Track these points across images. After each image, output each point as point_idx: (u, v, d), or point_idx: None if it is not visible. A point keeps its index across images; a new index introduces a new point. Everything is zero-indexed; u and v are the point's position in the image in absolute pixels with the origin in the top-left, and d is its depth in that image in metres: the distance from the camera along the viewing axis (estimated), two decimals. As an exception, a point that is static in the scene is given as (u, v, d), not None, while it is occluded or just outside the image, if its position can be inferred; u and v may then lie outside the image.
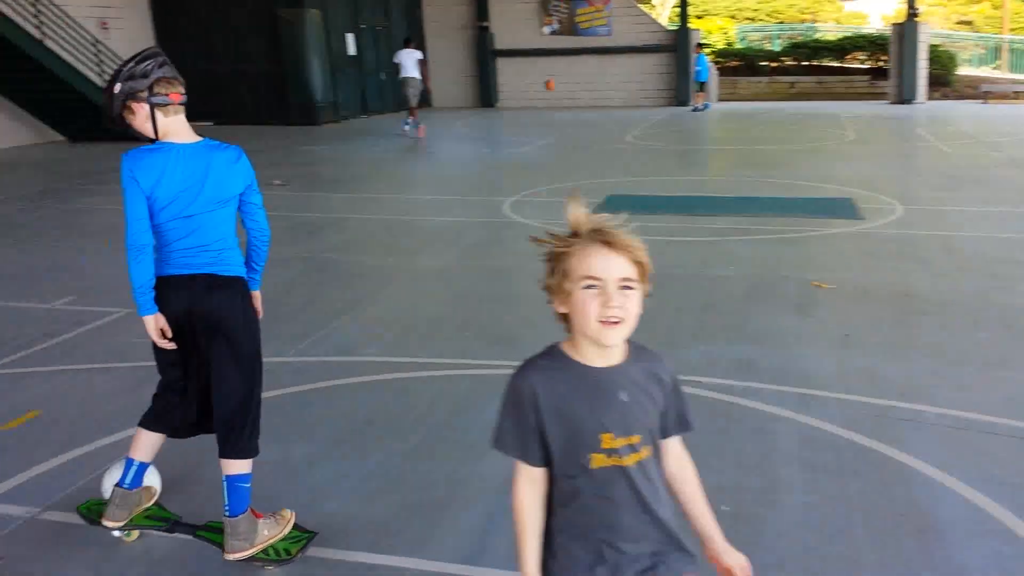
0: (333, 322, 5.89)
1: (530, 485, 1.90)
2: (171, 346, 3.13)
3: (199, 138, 3.12)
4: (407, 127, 17.97)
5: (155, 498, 3.39)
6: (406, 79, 17.46)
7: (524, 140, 16.98)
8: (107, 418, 4.38)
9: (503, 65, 25.34)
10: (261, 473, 3.76)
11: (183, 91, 3.06)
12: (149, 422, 3.25)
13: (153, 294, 3.03)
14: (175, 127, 3.05)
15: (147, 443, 3.24)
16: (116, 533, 3.27)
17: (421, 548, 3.22)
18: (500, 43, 25.47)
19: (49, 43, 15.80)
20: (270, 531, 3.15)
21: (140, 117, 3.00)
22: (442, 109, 25.11)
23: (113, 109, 3.00)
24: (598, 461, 1.82)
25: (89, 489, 3.62)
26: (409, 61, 17.47)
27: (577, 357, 1.85)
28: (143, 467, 3.25)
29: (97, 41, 17.04)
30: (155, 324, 3.06)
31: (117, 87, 2.95)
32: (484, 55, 25.48)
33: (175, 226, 3.01)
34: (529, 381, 1.84)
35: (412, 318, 6.05)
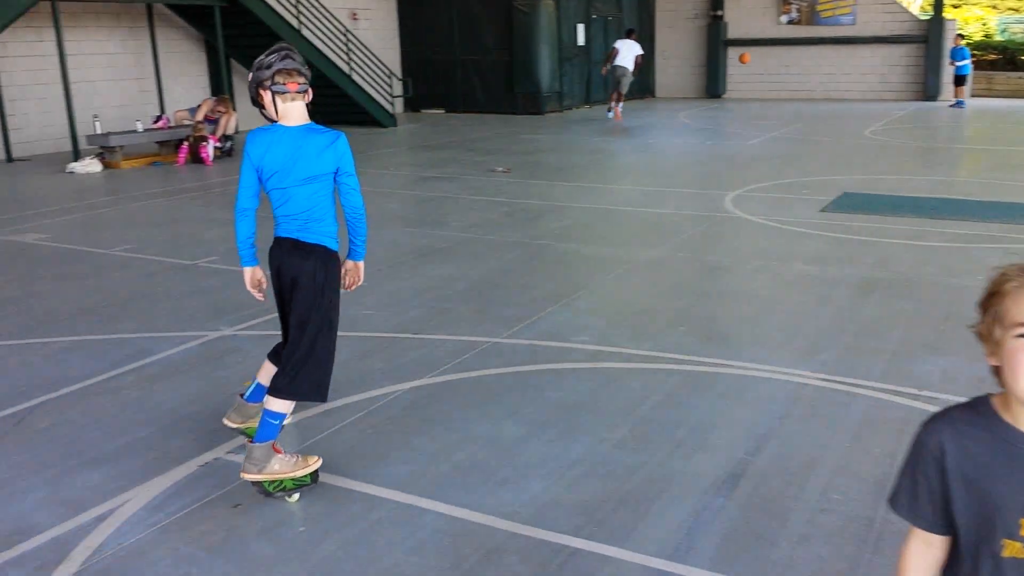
0: (546, 308, 5.97)
1: (924, 547, 1.63)
2: (260, 297, 3.69)
3: (307, 122, 3.51)
4: (610, 114, 18.57)
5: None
6: (619, 67, 17.81)
7: (751, 132, 16.41)
8: (337, 382, 4.65)
9: (734, 55, 24.62)
10: (474, 447, 3.91)
11: (301, 81, 3.44)
12: (270, 354, 3.84)
13: (253, 250, 3.61)
14: (290, 112, 3.45)
15: (268, 370, 3.78)
16: (290, 499, 3.53)
17: (625, 538, 3.21)
18: (733, 32, 24.79)
19: (305, 32, 17.09)
20: (281, 466, 3.48)
21: (267, 101, 3.46)
22: (666, 99, 24.79)
23: (251, 93, 3.52)
24: (1012, 550, 1.51)
25: (318, 447, 3.90)
26: (627, 52, 17.77)
27: (1008, 418, 1.52)
28: (261, 388, 3.79)
29: (347, 31, 18.23)
30: (251, 276, 3.65)
31: (250, 76, 3.49)
32: (715, 45, 24.90)
33: (275, 196, 3.49)
34: (938, 437, 1.56)
35: (624, 308, 6.03)
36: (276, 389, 3.50)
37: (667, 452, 3.88)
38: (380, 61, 19.40)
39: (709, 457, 3.83)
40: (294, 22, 16.82)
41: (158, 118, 14.34)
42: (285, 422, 3.66)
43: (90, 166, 12.68)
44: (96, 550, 3.16)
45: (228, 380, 4.76)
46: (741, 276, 6.69)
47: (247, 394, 3.92)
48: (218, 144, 13.79)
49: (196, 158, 13.51)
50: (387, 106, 19.06)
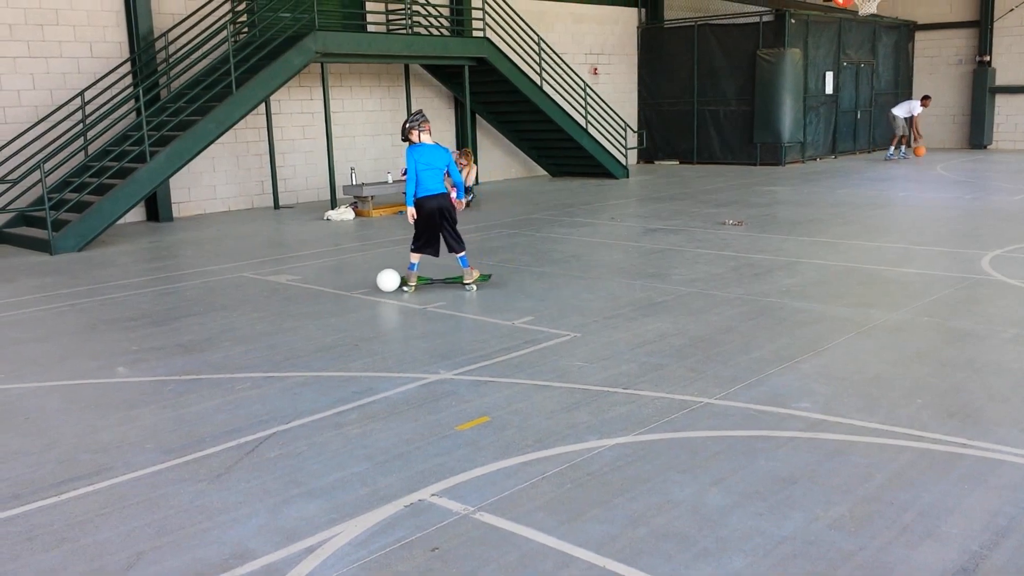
0: (767, 369, 5.68)
1: None
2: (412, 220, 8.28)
3: (433, 143, 8.14)
4: (892, 156, 20.51)
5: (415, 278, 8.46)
6: (898, 117, 20.62)
7: (1018, 186, 14.89)
8: (542, 433, 4.70)
9: (1002, 103, 22.62)
10: (675, 512, 3.75)
11: (427, 126, 8.13)
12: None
13: (413, 200, 8.11)
14: (424, 139, 8.08)
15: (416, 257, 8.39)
16: (404, 289, 8.25)
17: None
18: (1002, 79, 22.80)
19: (546, 87, 17.68)
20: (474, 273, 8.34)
21: (414, 135, 8.04)
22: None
23: (403, 133, 8.09)
24: None
25: (517, 498, 3.91)
26: (907, 109, 20.71)
27: None
28: (413, 264, 8.38)
29: (587, 86, 18.67)
30: (411, 212, 8.14)
31: (408, 124, 8.06)
32: (980, 92, 23.01)
33: (423, 176, 8.05)
34: None
35: (855, 375, 5.60)
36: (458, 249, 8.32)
37: (889, 538, 3.52)
38: (616, 114, 19.65)
39: (938, 547, 3.43)
40: (536, 79, 17.45)
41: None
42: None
43: (344, 214, 13.75)
44: (302, 579, 3.33)
45: (440, 423, 4.91)
46: (993, 346, 6.02)
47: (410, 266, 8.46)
48: (466, 200, 14.52)
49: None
50: (620, 157, 19.23)
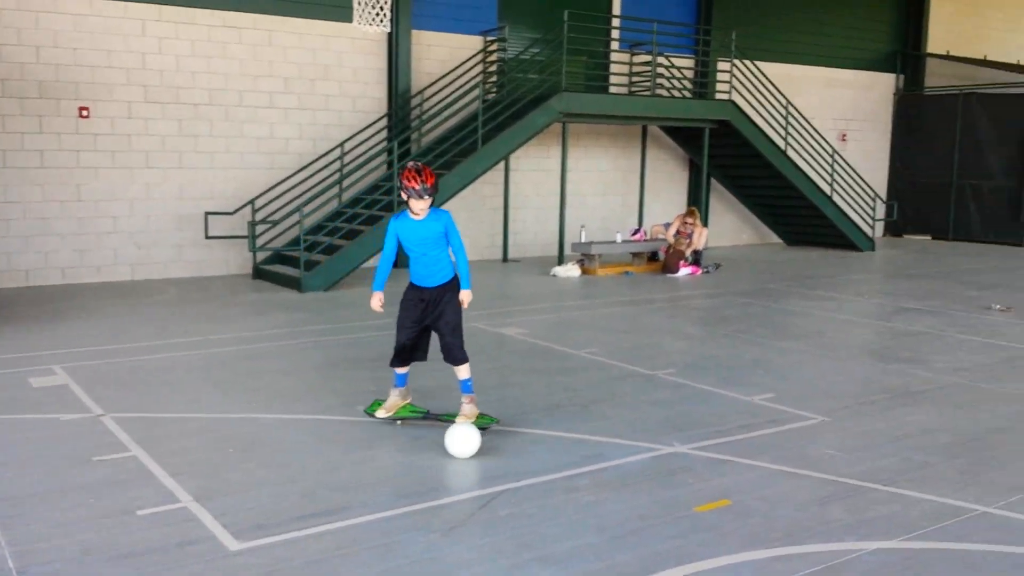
0: (1060, 481, 4.91)
1: None
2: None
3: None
4: None
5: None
6: None
7: None
8: (791, 527, 4.27)
9: None
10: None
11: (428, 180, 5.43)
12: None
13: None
14: (416, 206, 5.47)
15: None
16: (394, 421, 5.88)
17: None
18: None
19: (791, 152, 17.02)
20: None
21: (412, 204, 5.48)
22: None
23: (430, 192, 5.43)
24: None
25: (765, 597, 3.53)
26: None
27: None
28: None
29: (834, 152, 17.80)
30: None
31: (432, 181, 5.42)
32: None
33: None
34: None
35: None
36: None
37: None
38: (865, 182, 18.57)
39: None
40: (781, 143, 16.86)
41: (636, 231, 15.19)
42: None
43: (570, 271, 13.77)
44: (533, 656, 3.13)
45: (676, 500, 4.60)
46: None
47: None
48: (702, 265, 14.21)
49: (668, 269, 14.02)
50: (867, 229, 18.08)
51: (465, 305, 5.61)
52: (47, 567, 3.78)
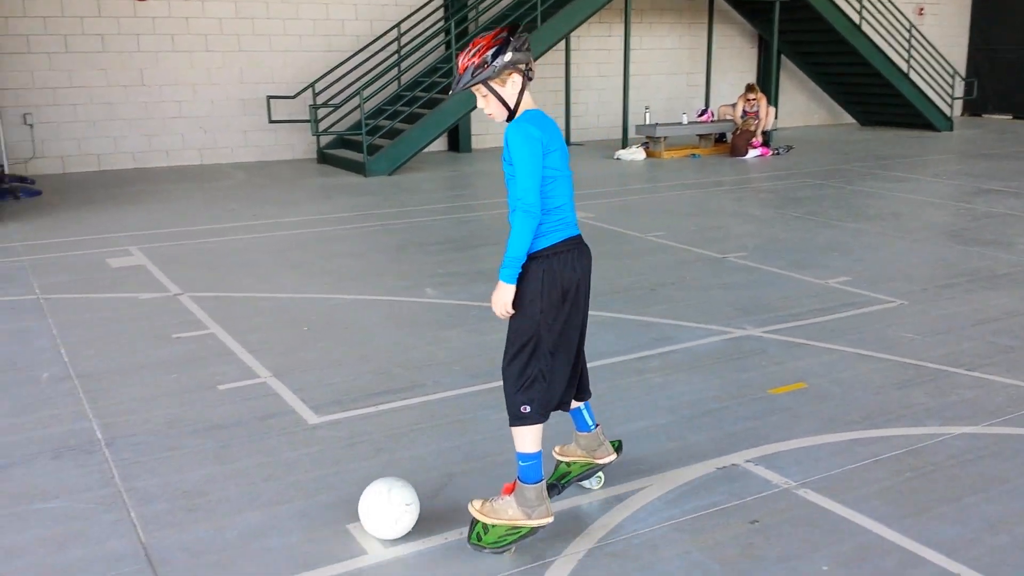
0: None
1: None
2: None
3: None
4: None
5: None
6: None
7: None
8: (870, 410, 4.20)
9: None
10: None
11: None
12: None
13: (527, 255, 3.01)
14: (528, 100, 3.03)
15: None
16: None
17: None
18: None
19: (865, 27, 16.16)
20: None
21: (513, 83, 2.97)
22: None
23: (479, 75, 2.94)
24: None
25: (846, 479, 3.50)
26: None
27: None
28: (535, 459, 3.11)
29: (912, 27, 16.86)
30: (508, 294, 3.04)
31: (508, 55, 2.93)
32: None
33: (559, 191, 3.03)
34: None
35: None
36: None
37: None
38: (944, 59, 17.62)
39: None
40: (855, 17, 15.99)
41: (703, 112, 14.71)
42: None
43: (635, 154, 13.47)
44: (612, 530, 3.16)
45: (750, 383, 4.55)
46: None
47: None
48: (772, 147, 13.80)
49: (736, 152, 13.63)
50: (945, 108, 17.28)
51: (501, 312, 3.04)
52: (133, 439, 3.92)
